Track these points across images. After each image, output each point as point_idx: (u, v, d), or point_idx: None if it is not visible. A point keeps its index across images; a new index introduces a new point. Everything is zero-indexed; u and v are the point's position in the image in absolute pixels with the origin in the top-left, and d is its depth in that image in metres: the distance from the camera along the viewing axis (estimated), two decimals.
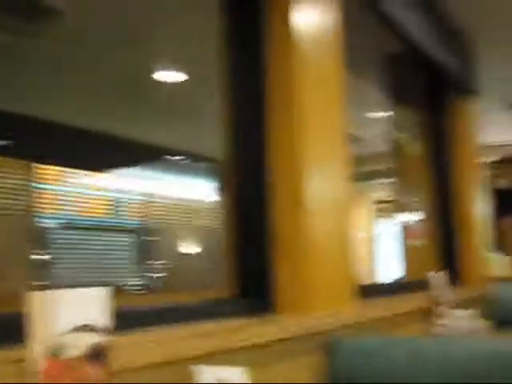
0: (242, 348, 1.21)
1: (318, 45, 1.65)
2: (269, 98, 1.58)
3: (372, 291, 2.19)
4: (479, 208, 3.20)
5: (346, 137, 1.70)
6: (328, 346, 1.48)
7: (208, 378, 0.94)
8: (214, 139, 1.92)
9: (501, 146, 6.14)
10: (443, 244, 3.11)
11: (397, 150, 3.57)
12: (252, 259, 1.54)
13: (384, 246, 8.25)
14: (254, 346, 1.23)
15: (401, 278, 3.62)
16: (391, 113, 3.62)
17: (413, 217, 3.55)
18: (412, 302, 2.13)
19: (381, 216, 8.61)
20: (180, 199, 5.93)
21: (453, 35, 2.96)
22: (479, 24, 3.16)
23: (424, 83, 3.23)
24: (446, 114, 3.20)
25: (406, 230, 3.90)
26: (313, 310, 1.46)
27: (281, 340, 1.31)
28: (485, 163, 5.12)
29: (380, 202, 8.55)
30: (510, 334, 2.53)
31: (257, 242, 1.55)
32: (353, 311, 1.60)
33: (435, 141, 3.20)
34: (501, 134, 5.87)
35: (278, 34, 1.56)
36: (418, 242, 3.49)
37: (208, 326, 1.25)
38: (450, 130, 3.19)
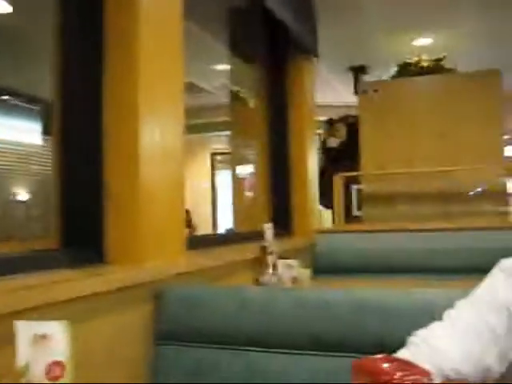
0: (68, 301, 1.17)
1: None
2: (105, 44, 1.51)
3: (205, 241, 2.26)
4: (312, 165, 3.40)
5: (183, 88, 1.69)
6: (157, 295, 1.51)
7: (25, 334, 0.90)
8: (44, 79, 1.79)
9: (335, 106, 6.59)
10: (276, 197, 3.27)
11: (235, 103, 3.66)
12: (81, 208, 1.49)
13: (223, 196, 8.48)
14: (81, 298, 1.21)
15: (235, 229, 3.77)
16: (231, 66, 3.69)
17: (249, 169, 3.69)
18: (243, 252, 2.22)
19: (221, 167, 8.81)
20: (7, 142, 5.47)
21: None
22: None
23: (266, 40, 3.31)
24: (286, 73, 3.32)
25: (242, 182, 4.05)
26: (143, 260, 1.46)
27: (109, 291, 1.30)
28: (319, 122, 5.47)
29: (220, 153, 8.73)
30: (322, 281, 2.81)
31: (86, 191, 1.49)
32: (184, 261, 1.63)
33: (273, 97, 3.31)
34: (336, 94, 6.29)
35: None
36: (252, 194, 3.64)
37: (31, 278, 1.20)
38: (288, 88, 3.31)
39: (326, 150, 5.25)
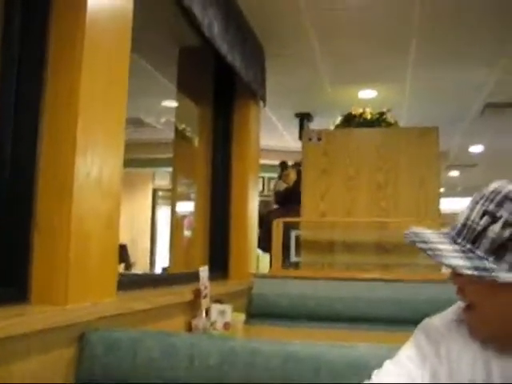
0: None
1: (107, 26, 1.59)
2: (47, 70, 1.49)
3: (138, 282, 2.20)
4: (252, 208, 3.41)
5: (124, 122, 1.67)
6: (81, 338, 1.45)
7: None
8: None
9: (280, 151, 6.71)
10: (215, 238, 3.26)
11: (179, 141, 3.66)
12: (5, 240, 1.42)
13: (164, 233, 8.36)
14: (3, 339, 1.14)
15: (171, 269, 3.71)
16: (178, 104, 3.70)
17: (190, 208, 3.67)
18: (177, 294, 2.18)
19: (162, 203, 8.71)
20: None
21: (248, 42, 3.12)
22: (268, 35, 3.40)
23: (214, 81, 3.35)
24: (232, 114, 3.36)
25: (182, 220, 4.01)
26: (70, 301, 1.40)
27: (30, 333, 1.23)
28: (266, 166, 5.53)
29: (162, 189, 8.65)
30: (256, 328, 2.79)
31: (13, 222, 1.43)
32: (113, 303, 1.58)
33: (218, 137, 3.34)
34: (282, 140, 6.41)
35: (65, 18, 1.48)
36: (191, 234, 3.61)
37: None
38: (233, 130, 3.35)
39: (275, 194, 5.32)
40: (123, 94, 1.67)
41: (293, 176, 5.04)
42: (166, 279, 2.51)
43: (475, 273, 0.85)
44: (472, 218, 0.90)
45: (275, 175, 6.50)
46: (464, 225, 0.91)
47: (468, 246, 0.89)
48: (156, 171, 8.54)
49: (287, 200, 4.85)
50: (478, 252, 0.88)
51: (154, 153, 6.66)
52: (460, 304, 1.02)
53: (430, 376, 0.94)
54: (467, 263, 0.86)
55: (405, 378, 0.94)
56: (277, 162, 5.42)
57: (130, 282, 2.05)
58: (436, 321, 1.02)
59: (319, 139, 3.94)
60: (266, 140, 5.66)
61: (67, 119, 1.46)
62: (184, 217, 4.19)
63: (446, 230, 0.97)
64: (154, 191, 8.74)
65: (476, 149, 7.00)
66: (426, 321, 1.03)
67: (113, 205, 1.61)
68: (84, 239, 1.47)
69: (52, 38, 1.50)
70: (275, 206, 5.17)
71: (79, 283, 1.44)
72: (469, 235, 0.90)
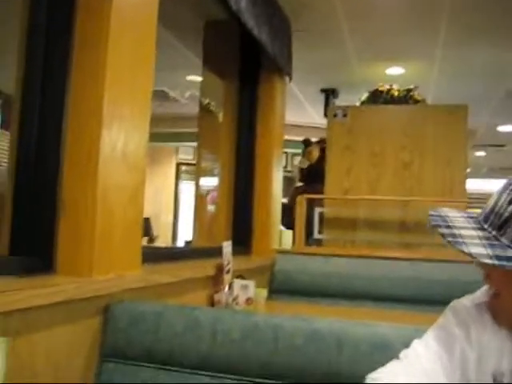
0: (14, 311, 1.12)
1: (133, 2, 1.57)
2: (73, 43, 1.48)
3: (162, 255, 2.22)
4: (276, 184, 3.40)
5: (151, 96, 1.66)
6: (105, 310, 1.46)
7: None
8: (7, 74, 1.73)
9: (305, 127, 6.65)
10: (239, 213, 3.25)
11: (204, 115, 3.64)
12: (32, 214, 1.43)
13: (187, 208, 8.41)
14: (28, 309, 1.16)
15: (194, 244, 3.73)
16: (203, 78, 3.67)
17: (213, 183, 3.67)
18: (200, 269, 2.18)
19: (186, 178, 8.74)
20: None
21: (275, 16, 3.06)
22: (296, 10, 3.33)
23: (240, 56, 3.31)
24: (257, 90, 3.32)
25: (206, 195, 4.01)
26: (94, 272, 1.41)
27: (58, 303, 1.25)
28: (290, 141, 5.49)
29: (185, 164, 8.67)
30: (278, 304, 2.80)
31: (39, 196, 1.44)
32: (137, 276, 1.59)
33: (243, 112, 3.31)
34: (307, 116, 6.35)
35: None
36: (215, 209, 3.61)
37: None
38: (258, 105, 3.31)
39: (299, 171, 5.28)
40: (150, 67, 1.66)
41: (315, 153, 4.99)
42: (190, 253, 2.52)
43: (496, 262, 0.82)
44: (500, 203, 0.86)
45: (299, 151, 6.45)
46: (492, 210, 0.88)
47: (494, 232, 0.86)
48: (180, 145, 8.55)
49: (310, 178, 4.81)
50: (503, 240, 0.84)
51: (178, 127, 6.65)
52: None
53: (458, 360, 0.92)
54: (489, 251, 0.83)
55: (433, 361, 0.92)
56: (301, 139, 5.37)
57: (154, 255, 2.06)
58: (466, 302, 0.99)
59: (345, 115, 3.89)
60: (291, 116, 5.59)
61: (94, 92, 1.45)
62: (208, 192, 4.19)
63: (475, 213, 0.94)
64: (178, 165, 8.76)
65: (505, 128, 6.83)
66: (456, 302, 1.01)
67: (138, 179, 1.61)
68: (109, 212, 1.47)
69: (79, 10, 1.49)
70: (299, 184, 5.14)
71: (104, 255, 1.45)
72: (496, 221, 0.86)
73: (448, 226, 0.89)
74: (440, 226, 0.89)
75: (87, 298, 1.37)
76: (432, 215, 0.93)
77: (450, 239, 0.86)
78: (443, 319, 0.99)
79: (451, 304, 1.01)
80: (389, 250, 3.49)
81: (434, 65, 4.36)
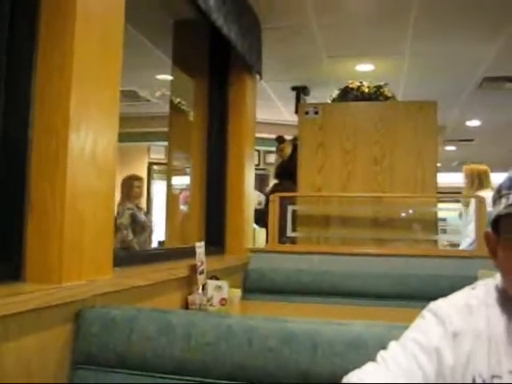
0: None
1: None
2: (38, 41, 1.44)
3: (134, 258, 2.19)
4: (249, 182, 3.39)
5: (119, 95, 1.64)
6: (77, 316, 1.43)
7: None
8: None
9: (276, 124, 6.65)
10: (211, 213, 3.24)
11: (175, 114, 3.62)
12: None
13: (159, 208, 8.34)
14: None
15: (167, 245, 3.71)
16: (173, 77, 3.64)
17: (185, 182, 3.65)
18: (173, 270, 2.17)
19: (158, 178, 8.68)
20: None
21: (244, 15, 3.05)
22: (265, 7, 3.33)
23: (210, 54, 3.29)
24: (228, 88, 3.31)
25: (178, 195, 3.99)
26: (65, 278, 1.38)
27: (27, 311, 1.22)
28: (262, 139, 5.48)
29: (157, 163, 8.61)
30: (252, 304, 2.80)
31: (6, 199, 1.40)
32: (109, 280, 1.57)
33: (213, 111, 3.29)
34: (278, 113, 6.35)
35: None
36: (187, 209, 3.59)
37: None
38: (229, 103, 3.31)
39: (275, 168, 5.27)
40: (118, 66, 1.63)
41: (287, 150, 4.99)
42: (162, 255, 2.50)
43: None
44: None
45: (272, 149, 6.45)
46: None
47: None
48: (151, 145, 8.48)
49: (283, 174, 4.82)
50: None
51: (149, 126, 6.60)
52: (468, 289, 1.00)
53: (436, 362, 0.92)
54: None
55: (412, 363, 0.92)
56: (273, 136, 5.38)
57: (126, 258, 2.04)
58: (445, 305, 0.98)
59: (316, 113, 3.90)
60: (263, 113, 5.61)
61: (60, 92, 1.42)
62: (180, 191, 4.17)
63: None
64: (150, 165, 8.69)
65: (473, 123, 6.96)
66: (435, 304, 1.00)
67: (108, 180, 1.59)
68: (79, 216, 1.44)
69: (43, 8, 1.45)
70: (275, 181, 5.14)
71: (74, 260, 1.42)
72: None
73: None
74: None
75: (57, 304, 1.34)
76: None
77: None
78: (422, 321, 0.99)
79: (429, 306, 1.00)
80: (362, 246, 3.52)
81: (403, 60, 4.41)
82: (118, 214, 4.56)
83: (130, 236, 4.63)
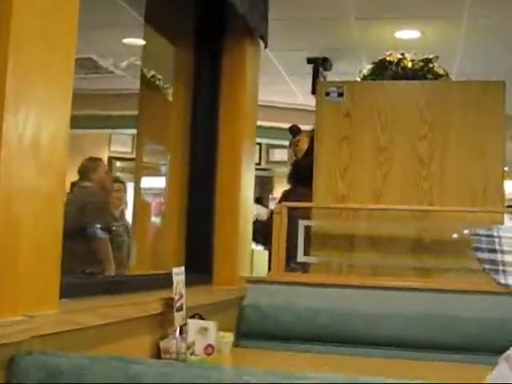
0: None
1: None
2: None
3: (89, 287, 2.19)
4: (247, 187, 3.39)
5: (73, 66, 1.64)
6: (9, 364, 1.43)
7: None
8: None
9: (284, 108, 6.68)
10: (195, 228, 3.24)
11: (148, 92, 3.63)
12: None
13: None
14: None
15: (133, 270, 3.71)
16: (147, 42, 3.66)
17: (159, 185, 3.65)
18: (142, 304, 2.17)
19: (123, 179, 8.69)
20: None
21: None
22: None
23: (198, 12, 3.30)
24: (221, 59, 3.31)
25: (147, 202, 3.99)
26: None
27: None
28: (264, 128, 5.49)
29: (121, 158, 8.63)
30: (248, 354, 2.79)
31: None
32: (52, 317, 1.57)
33: (202, 89, 3.30)
34: (288, 94, 6.37)
35: None
36: (161, 222, 3.59)
37: None
38: (222, 80, 3.31)
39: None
40: (72, 24, 1.64)
41: (303, 145, 4.95)
42: (128, 283, 2.50)
43: None
44: None
45: (278, 142, 6.47)
46: None
47: None
48: (113, 133, 8.50)
49: (296, 177, 4.77)
50: None
51: (111, 108, 6.62)
52: None
53: None
54: None
55: None
56: (280, 125, 5.39)
57: (77, 287, 2.04)
58: None
59: (340, 94, 3.91)
60: (268, 94, 5.63)
61: None
62: (152, 197, 4.17)
63: None
64: (110, 161, 8.71)
65: None
66: None
67: (55, 180, 1.60)
68: (13, 225, 1.45)
69: None
70: (287, 187, 5.06)
71: (5, 289, 1.43)
72: None
73: (492, 250, 0.90)
74: (481, 250, 0.91)
75: None
76: (478, 235, 0.94)
77: (486, 266, 0.88)
78: (498, 371, 0.98)
79: (508, 352, 1.00)
80: (400, 277, 3.51)
81: (460, 27, 4.43)
82: None
83: None
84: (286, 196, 4.60)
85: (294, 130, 5.19)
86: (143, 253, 3.63)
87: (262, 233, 3.86)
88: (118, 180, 5.05)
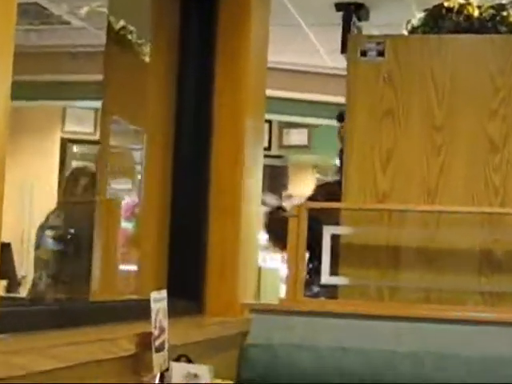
0: None
1: None
2: None
3: (34, 318, 2.19)
4: (253, 180, 3.40)
5: (14, 15, 1.65)
6: None
7: None
8: None
9: (304, 72, 6.67)
10: (180, 238, 3.25)
11: (115, 51, 3.62)
12: None
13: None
14: None
15: (95, 294, 3.71)
16: None
17: (133, 177, 3.66)
18: (108, 342, 2.16)
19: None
20: None
21: None
22: None
23: None
24: (217, 5, 3.32)
25: (115, 201, 3.99)
26: None
27: None
28: (276, 99, 5.49)
29: (79, 141, 8.63)
30: None
31: None
32: None
33: (190, 48, 3.31)
34: (309, 53, 6.38)
35: None
36: (134, 228, 3.59)
37: None
38: (219, 34, 3.31)
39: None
40: None
41: None
42: (88, 313, 2.50)
43: None
44: None
45: (294, 119, 6.49)
46: None
47: None
48: (69, 107, 8.52)
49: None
50: None
51: (66, 72, 6.63)
52: None
53: None
54: None
55: None
56: (298, 95, 5.38)
57: (16, 318, 2.04)
58: None
59: (380, 53, 3.91)
60: (280, 53, 5.62)
61: None
62: (122, 194, 4.17)
63: None
64: (65, 144, 8.73)
65: None
66: None
67: None
68: None
69: None
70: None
71: None
72: None
73: None
74: None
75: None
76: None
77: None
78: None
79: None
80: (463, 305, 3.51)
81: None
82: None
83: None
84: (317, 194, 4.61)
85: (343, 115, 5.19)
86: (110, 271, 3.63)
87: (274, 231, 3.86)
88: (88, 172, 5.03)
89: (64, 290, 4.77)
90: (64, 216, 4.92)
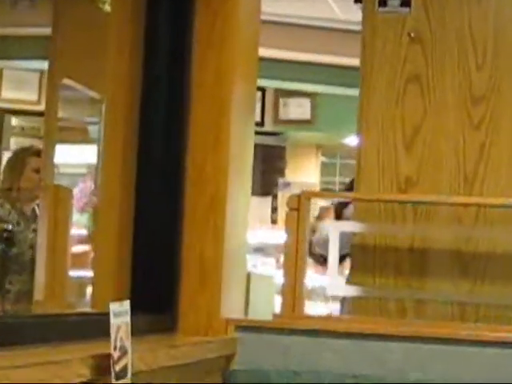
0: None
1: None
2: None
3: None
4: (241, 162, 3.42)
5: None
6: None
7: None
8: None
9: (306, 26, 6.70)
10: (147, 235, 3.27)
11: None
12: None
13: None
14: None
15: (38, 305, 3.73)
16: None
17: (85, 160, 3.67)
18: (53, 366, 2.18)
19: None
20: None
21: None
22: None
23: None
24: None
25: (68, 189, 4.02)
26: None
27: None
28: (268, 60, 5.52)
29: (19, 112, 8.66)
30: None
31: None
32: None
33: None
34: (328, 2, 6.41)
35: None
36: (89, 223, 3.61)
37: None
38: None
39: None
40: None
41: None
42: (31, 329, 2.52)
43: None
44: None
45: (294, 86, 6.54)
46: None
47: None
48: (6, 69, 8.54)
49: None
50: None
51: (1, 23, 6.64)
52: None
53: None
54: None
55: None
56: (301, 56, 5.40)
57: None
58: None
59: (405, 3, 3.93)
60: (279, 3, 5.65)
61: None
62: (74, 180, 4.20)
63: None
64: (1, 115, 8.76)
65: None
66: None
67: None
68: None
69: None
70: None
71: None
72: None
73: None
74: None
75: None
76: None
77: None
78: None
79: None
80: (508, 324, 3.53)
81: None
82: None
83: None
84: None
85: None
86: (58, 277, 3.66)
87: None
88: (39, 152, 5.05)
89: (1, 301, 4.78)
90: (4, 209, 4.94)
